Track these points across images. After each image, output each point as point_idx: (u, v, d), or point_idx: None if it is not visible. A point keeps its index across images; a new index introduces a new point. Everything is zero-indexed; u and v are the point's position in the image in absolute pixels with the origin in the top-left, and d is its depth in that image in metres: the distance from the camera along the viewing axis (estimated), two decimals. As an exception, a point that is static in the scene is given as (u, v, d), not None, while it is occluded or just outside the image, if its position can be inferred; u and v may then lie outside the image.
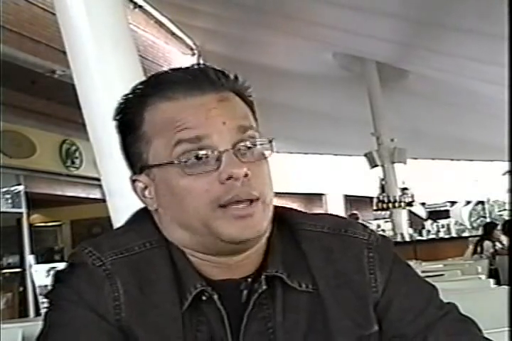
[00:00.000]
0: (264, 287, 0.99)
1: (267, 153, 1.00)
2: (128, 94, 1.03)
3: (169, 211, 1.00)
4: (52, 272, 9.20)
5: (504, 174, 13.89)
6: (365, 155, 11.47)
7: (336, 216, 1.14)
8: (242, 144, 0.98)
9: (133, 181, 1.04)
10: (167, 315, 0.97)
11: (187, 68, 1.02)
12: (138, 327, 0.96)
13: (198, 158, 0.96)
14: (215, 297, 0.98)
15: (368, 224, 1.22)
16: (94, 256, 0.99)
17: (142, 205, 1.06)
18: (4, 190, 8.96)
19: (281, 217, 1.05)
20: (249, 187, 0.96)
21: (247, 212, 0.96)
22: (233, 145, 0.97)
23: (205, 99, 0.98)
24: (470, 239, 10.34)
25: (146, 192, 1.02)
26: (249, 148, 0.98)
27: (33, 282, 9.17)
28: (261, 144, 0.99)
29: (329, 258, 1.04)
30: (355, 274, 1.04)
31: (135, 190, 1.04)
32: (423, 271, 4.17)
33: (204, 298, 0.98)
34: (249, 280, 1.01)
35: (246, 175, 0.95)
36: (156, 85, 1.01)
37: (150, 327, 0.96)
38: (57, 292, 1.01)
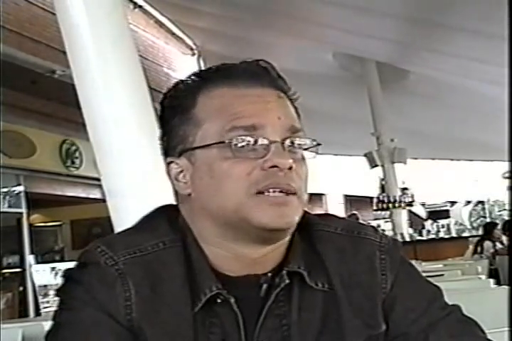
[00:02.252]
0: (287, 281, 0.99)
1: (309, 155, 1.02)
2: (181, 80, 1.05)
3: (204, 195, 0.99)
4: (54, 272, 9.21)
5: (504, 176, 13.83)
6: (365, 155, 11.47)
7: (348, 219, 1.16)
8: (290, 141, 1.00)
9: (168, 163, 1.04)
10: (178, 314, 0.96)
11: (248, 63, 1.03)
12: (149, 327, 0.96)
13: (247, 144, 0.97)
14: (232, 301, 0.97)
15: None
16: (107, 255, 0.98)
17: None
18: (4, 190, 8.95)
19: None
20: (290, 179, 0.97)
21: (284, 200, 0.97)
22: (282, 140, 0.98)
23: (264, 92, 1.01)
24: (470, 239, 10.35)
25: (181, 176, 1.02)
26: (295, 147, 1.00)
27: (33, 282, 9.17)
28: (305, 145, 1.02)
29: (342, 258, 1.05)
30: (367, 275, 1.05)
31: (169, 173, 1.04)
32: (423, 271, 4.11)
33: (219, 300, 0.97)
34: (269, 275, 1.00)
35: (290, 168, 0.97)
36: (216, 72, 1.03)
37: (161, 326, 0.96)
38: (68, 290, 1.00)
